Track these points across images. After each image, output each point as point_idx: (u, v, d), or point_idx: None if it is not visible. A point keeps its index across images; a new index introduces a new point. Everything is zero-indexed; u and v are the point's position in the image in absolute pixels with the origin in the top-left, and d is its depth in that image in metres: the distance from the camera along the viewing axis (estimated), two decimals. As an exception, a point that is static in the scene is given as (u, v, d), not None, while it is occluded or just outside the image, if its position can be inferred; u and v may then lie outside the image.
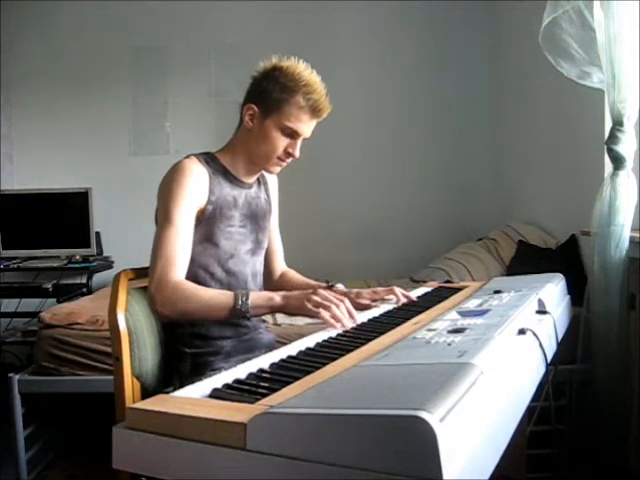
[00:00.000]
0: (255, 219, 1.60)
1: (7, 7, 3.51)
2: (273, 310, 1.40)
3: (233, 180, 1.55)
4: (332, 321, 1.27)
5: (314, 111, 1.48)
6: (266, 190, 1.68)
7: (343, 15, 3.65)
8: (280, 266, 1.78)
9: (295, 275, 1.76)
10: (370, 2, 3.62)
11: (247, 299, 1.36)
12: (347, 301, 1.35)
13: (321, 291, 1.36)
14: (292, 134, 1.49)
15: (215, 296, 1.40)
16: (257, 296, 1.39)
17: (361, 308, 1.49)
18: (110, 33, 3.67)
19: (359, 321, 1.32)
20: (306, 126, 1.50)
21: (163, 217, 1.42)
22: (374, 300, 1.56)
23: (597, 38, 1.90)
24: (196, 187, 1.45)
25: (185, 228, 1.42)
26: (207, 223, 1.49)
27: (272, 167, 1.56)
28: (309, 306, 1.33)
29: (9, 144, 3.68)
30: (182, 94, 3.72)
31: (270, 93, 1.47)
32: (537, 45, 2.05)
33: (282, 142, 1.50)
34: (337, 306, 1.31)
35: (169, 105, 3.73)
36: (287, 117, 1.47)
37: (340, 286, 1.63)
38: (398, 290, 1.57)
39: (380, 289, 1.59)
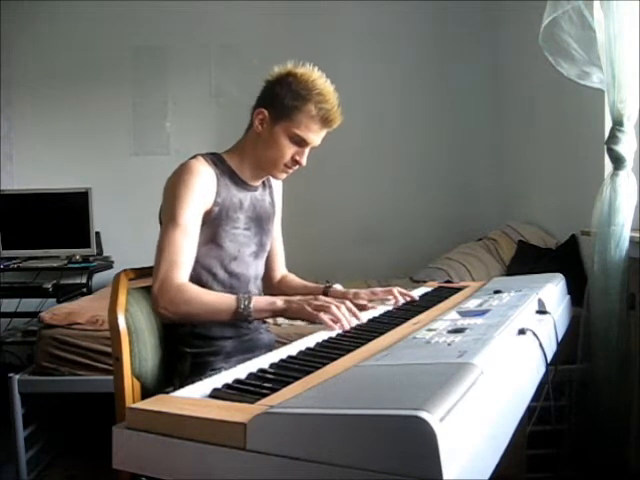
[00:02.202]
0: (259, 222, 1.59)
1: (7, 7, 3.51)
2: (275, 314, 1.42)
3: (239, 182, 1.55)
4: (331, 323, 1.28)
5: (325, 121, 1.47)
6: (271, 194, 1.67)
7: (343, 15, 3.65)
8: (281, 270, 1.78)
9: (294, 279, 1.76)
10: (370, 2, 3.62)
11: (250, 303, 1.36)
12: (348, 302, 1.36)
13: (321, 296, 1.38)
14: (301, 142, 1.48)
15: (218, 299, 1.40)
16: (259, 300, 1.40)
17: (358, 308, 1.49)
18: (110, 33, 3.66)
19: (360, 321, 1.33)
20: (315, 135, 1.49)
21: (169, 217, 1.41)
22: (371, 301, 1.56)
23: (597, 38, 1.90)
24: (203, 188, 1.45)
25: (191, 229, 1.42)
26: (212, 224, 1.48)
27: (278, 173, 1.55)
28: (309, 309, 1.33)
29: (9, 144, 3.67)
30: (182, 94, 3.71)
31: (282, 99, 1.46)
32: (537, 45, 2.05)
33: (290, 149, 1.49)
34: (337, 307, 1.32)
35: (169, 105, 3.72)
36: (297, 125, 1.46)
37: (338, 286, 1.63)
38: (396, 290, 1.57)
39: (379, 289, 1.59)
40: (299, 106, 1.45)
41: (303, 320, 1.42)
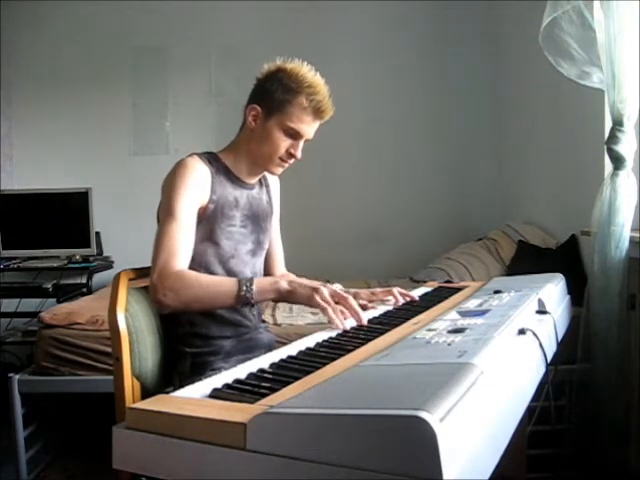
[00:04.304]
0: (256, 220, 1.60)
1: (7, 7, 3.51)
2: (279, 294, 1.38)
3: (235, 180, 1.55)
4: (337, 321, 1.27)
5: (317, 112, 1.48)
6: (268, 192, 1.68)
7: (343, 15, 3.65)
8: (280, 270, 1.78)
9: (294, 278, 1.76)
10: (370, 2, 3.62)
11: (251, 284, 1.35)
12: (351, 299, 1.34)
13: (330, 286, 1.37)
14: (294, 135, 1.49)
15: (219, 283, 1.40)
16: (262, 280, 1.39)
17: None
18: (110, 33, 3.67)
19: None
20: (308, 127, 1.50)
21: (166, 211, 1.42)
22: (371, 301, 1.56)
23: (597, 38, 1.90)
24: (198, 183, 1.46)
25: (187, 222, 1.43)
26: (208, 222, 1.49)
27: (274, 168, 1.56)
28: (317, 298, 1.32)
29: (9, 144, 3.67)
30: (182, 94, 3.72)
31: (273, 94, 1.47)
32: (537, 45, 2.05)
33: (284, 143, 1.50)
34: (345, 299, 1.31)
35: (169, 105, 3.72)
36: (290, 118, 1.47)
37: (338, 286, 1.63)
38: (396, 291, 1.56)
39: (378, 290, 1.59)
40: (291, 99, 1.46)
41: (306, 305, 1.40)
